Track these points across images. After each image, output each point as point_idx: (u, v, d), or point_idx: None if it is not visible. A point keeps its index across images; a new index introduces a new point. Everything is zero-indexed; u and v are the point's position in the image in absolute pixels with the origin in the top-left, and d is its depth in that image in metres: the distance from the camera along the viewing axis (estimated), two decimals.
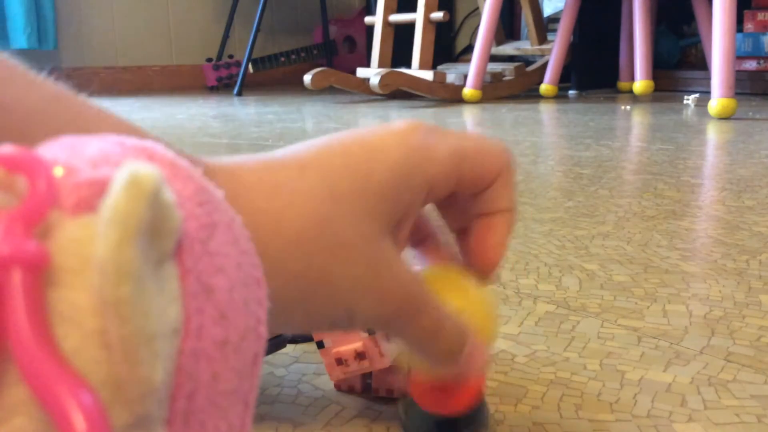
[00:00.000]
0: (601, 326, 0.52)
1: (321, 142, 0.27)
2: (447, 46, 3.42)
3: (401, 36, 2.64)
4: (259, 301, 0.18)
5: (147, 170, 0.14)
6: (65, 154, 0.16)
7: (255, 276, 0.18)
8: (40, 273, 0.14)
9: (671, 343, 0.49)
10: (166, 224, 0.15)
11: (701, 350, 0.48)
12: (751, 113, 1.90)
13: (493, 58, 2.68)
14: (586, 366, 0.46)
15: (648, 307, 0.56)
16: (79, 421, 0.13)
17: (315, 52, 3.45)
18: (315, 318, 0.26)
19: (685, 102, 2.18)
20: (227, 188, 0.24)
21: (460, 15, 3.48)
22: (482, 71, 2.39)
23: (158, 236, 0.15)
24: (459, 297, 0.30)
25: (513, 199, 0.30)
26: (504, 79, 2.58)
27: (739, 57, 2.45)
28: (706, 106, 1.86)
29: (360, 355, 0.39)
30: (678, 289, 0.60)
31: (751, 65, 2.51)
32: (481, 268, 0.30)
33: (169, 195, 0.15)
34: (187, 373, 0.16)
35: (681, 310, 0.55)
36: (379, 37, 2.56)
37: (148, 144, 0.17)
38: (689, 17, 2.60)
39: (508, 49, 2.86)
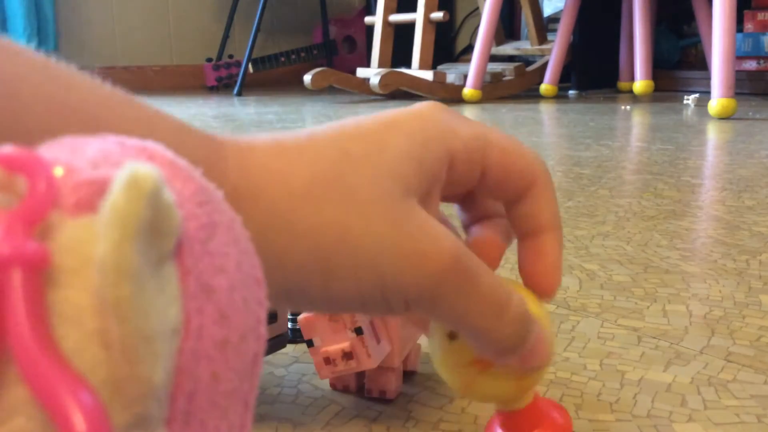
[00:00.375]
0: (601, 326, 0.52)
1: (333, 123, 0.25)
2: (447, 46, 3.42)
3: (401, 36, 2.64)
4: (259, 301, 0.18)
5: (147, 170, 0.14)
6: (65, 154, 0.16)
7: (255, 276, 0.18)
8: (40, 273, 0.14)
9: (671, 343, 0.49)
10: (165, 224, 0.15)
11: (701, 350, 0.48)
12: (751, 113, 1.90)
13: (493, 58, 2.68)
14: (586, 366, 0.46)
15: (648, 307, 0.56)
16: (79, 420, 0.13)
17: (315, 52, 3.45)
18: (338, 289, 0.22)
19: (685, 102, 2.18)
20: (237, 155, 0.23)
21: (460, 15, 3.48)
22: (482, 71, 2.39)
23: (158, 236, 0.15)
24: (529, 302, 0.26)
25: (557, 215, 0.28)
26: (504, 79, 2.58)
27: (739, 57, 2.45)
28: (706, 106, 1.86)
29: (347, 355, 0.39)
30: (678, 289, 0.60)
31: (751, 65, 2.51)
32: (540, 294, 0.27)
33: (168, 195, 0.15)
34: (187, 373, 0.16)
35: (681, 310, 0.55)
36: (379, 37, 2.56)
37: (149, 144, 0.17)
38: (689, 17, 2.60)
39: (508, 49, 2.86)
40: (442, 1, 2.55)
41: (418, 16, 2.44)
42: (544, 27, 2.79)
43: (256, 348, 0.18)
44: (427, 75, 2.40)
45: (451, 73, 2.52)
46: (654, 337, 0.50)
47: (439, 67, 2.68)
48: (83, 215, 0.15)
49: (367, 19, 2.66)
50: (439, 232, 0.23)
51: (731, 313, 0.55)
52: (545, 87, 2.55)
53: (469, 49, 3.12)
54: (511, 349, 0.25)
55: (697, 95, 2.17)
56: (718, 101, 1.76)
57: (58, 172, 0.15)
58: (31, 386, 0.13)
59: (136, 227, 0.14)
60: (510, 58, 2.91)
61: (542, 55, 2.71)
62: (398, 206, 0.23)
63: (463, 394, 0.28)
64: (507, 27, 3.08)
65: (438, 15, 2.42)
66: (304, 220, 0.22)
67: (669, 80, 2.67)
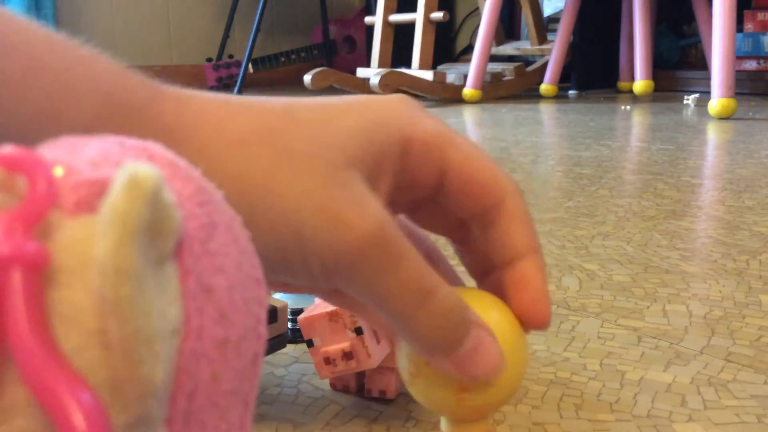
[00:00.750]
0: (601, 326, 0.52)
1: None
2: (447, 46, 3.42)
3: (401, 36, 2.64)
4: (259, 301, 0.18)
5: (147, 170, 0.14)
6: (65, 154, 0.16)
7: (255, 276, 0.18)
8: (40, 273, 0.14)
9: (671, 343, 0.49)
10: (166, 224, 0.15)
11: (701, 350, 0.48)
12: (751, 113, 1.90)
13: (493, 58, 2.68)
14: (586, 366, 0.46)
15: (648, 307, 0.56)
16: (78, 420, 0.13)
17: (315, 52, 3.44)
18: (259, 242, 0.20)
19: (685, 102, 2.18)
20: (177, 100, 0.23)
21: (460, 15, 3.48)
22: (482, 71, 2.39)
23: (158, 236, 0.15)
24: (489, 314, 0.24)
25: (533, 236, 0.25)
26: (504, 79, 2.58)
27: (739, 57, 2.45)
28: (706, 106, 1.86)
29: (347, 355, 0.39)
30: (678, 289, 0.60)
31: (751, 65, 2.51)
32: (533, 327, 0.25)
33: (169, 195, 0.15)
34: (187, 373, 0.16)
35: (681, 310, 0.55)
36: (379, 37, 2.56)
37: (149, 144, 0.17)
38: (689, 17, 2.60)
39: (508, 49, 2.86)
40: (442, 1, 2.55)
41: (418, 16, 2.44)
42: (544, 27, 2.79)
43: (256, 348, 0.17)
44: (427, 75, 2.40)
45: (451, 73, 2.52)
46: (654, 337, 0.50)
47: (439, 67, 2.68)
48: (83, 215, 0.15)
49: (367, 19, 2.66)
50: (371, 205, 0.21)
51: (731, 313, 0.55)
52: (545, 87, 2.55)
53: (469, 49, 3.12)
54: (437, 347, 0.22)
55: (697, 95, 2.17)
56: (718, 101, 1.75)
57: (58, 172, 0.15)
58: (30, 386, 0.13)
59: (135, 227, 0.14)
60: (510, 58, 2.90)
61: (542, 55, 2.71)
62: (334, 171, 0.22)
63: (407, 386, 0.26)
64: (507, 27, 3.08)
65: (438, 15, 2.42)
66: (232, 165, 0.22)
67: (669, 80, 2.67)
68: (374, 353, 0.39)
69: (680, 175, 1.10)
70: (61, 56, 0.22)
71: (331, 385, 0.43)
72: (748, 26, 2.52)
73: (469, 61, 2.52)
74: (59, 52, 0.22)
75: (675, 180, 1.06)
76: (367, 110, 0.24)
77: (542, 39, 2.75)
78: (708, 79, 1.88)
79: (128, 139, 0.17)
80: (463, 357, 0.23)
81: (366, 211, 0.21)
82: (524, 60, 2.81)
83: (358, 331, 0.38)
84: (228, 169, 0.22)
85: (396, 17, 2.55)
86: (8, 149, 0.15)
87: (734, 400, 0.41)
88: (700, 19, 2.38)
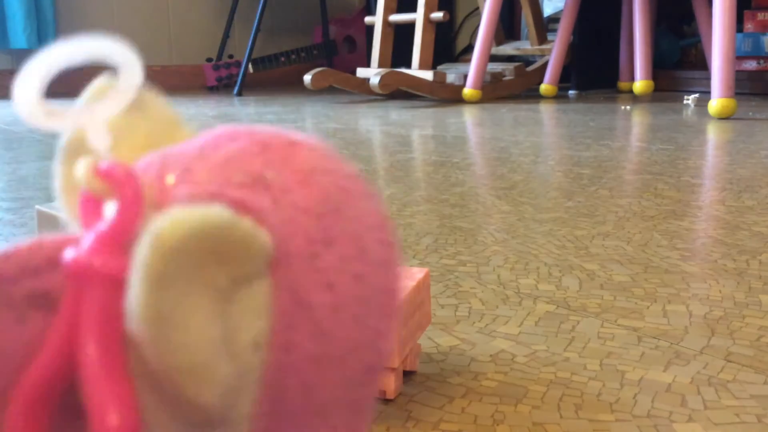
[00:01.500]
0: (601, 326, 0.52)
1: None
2: (447, 46, 3.42)
3: (401, 36, 2.64)
4: (385, 313, 0.18)
5: (172, 229, 0.15)
6: (190, 160, 0.17)
7: (386, 287, 0.18)
8: (119, 286, 0.15)
9: (671, 343, 0.49)
10: (248, 248, 0.15)
11: (701, 350, 0.48)
12: (751, 113, 1.90)
13: (493, 58, 2.68)
14: (586, 366, 0.46)
15: (648, 307, 0.56)
16: (109, 415, 0.14)
17: (315, 52, 3.44)
18: None
19: (685, 102, 2.18)
20: None
21: (460, 15, 3.48)
22: (482, 71, 2.39)
23: (233, 261, 0.15)
24: None
25: None
26: (504, 79, 2.58)
27: (739, 57, 2.45)
28: (706, 106, 1.86)
29: None
30: (678, 289, 0.60)
31: (751, 65, 2.51)
32: None
33: (245, 224, 0.15)
34: (270, 385, 0.16)
35: (681, 310, 0.55)
36: (379, 37, 2.56)
37: (296, 145, 0.18)
38: (689, 17, 2.60)
39: (508, 49, 2.86)
40: (442, 1, 2.55)
41: (418, 16, 2.44)
42: (544, 27, 2.79)
43: (371, 361, 0.18)
44: (427, 75, 2.40)
45: (451, 73, 2.51)
46: (654, 337, 0.50)
47: (439, 67, 2.68)
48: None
49: (367, 19, 2.66)
50: None
51: (731, 313, 0.55)
52: (545, 87, 2.55)
53: (469, 49, 3.12)
54: None
55: (697, 95, 2.17)
56: (718, 101, 1.76)
57: (151, 190, 0.17)
58: (87, 389, 0.15)
59: (157, 279, 0.15)
60: (510, 58, 2.91)
61: (542, 55, 2.71)
62: None
63: None
64: (507, 27, 3.08)
65: (438, 15, 2.42)
66: None
67: (669, 80, 2.67)
68: None
69: (680, 175, 1.10)
70: None
71: None
72: (748, 26, 2.52)
73: (469, 61, 2.52)
74: None
75: (675, 180, 1.06)
76: None
77: (542, 39, 2.75)
78: (708, 79, 1.88)
79: (276, 136, 0.18)
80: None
81: None
82: (524, 60, 2.82)
83: None
84: None
85: (396, 17, 2.55)
86: (106, 164, 0.16)
87: (734, 400, 0.41)
88: (700, 19, 2.38)
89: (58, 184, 0.19)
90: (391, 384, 0.41)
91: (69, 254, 0.15)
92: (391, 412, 0.41)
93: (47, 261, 0.16)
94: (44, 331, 0.15)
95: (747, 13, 2.50)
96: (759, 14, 2.51)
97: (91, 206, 0.17)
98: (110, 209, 0.16)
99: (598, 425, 0.39)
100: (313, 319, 0.16)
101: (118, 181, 0.16)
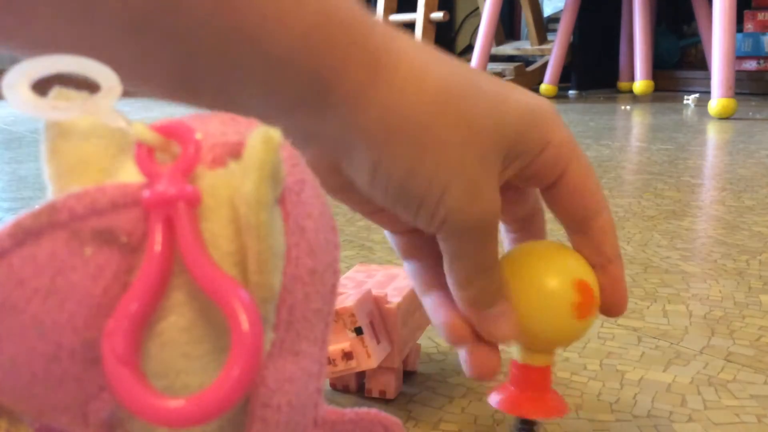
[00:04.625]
0: (601, 326, 0.52)
1: None
2: (447, 46, 3.42)
3: None
4: (335, 244, 0.22)
5: (275, 131, 0.18)
6: (200, 125, 0.21)
7: (332, 224, 0.22)
8: (195, 208, 0.19)
9: (671, 343, 0.49)
10: (278, 175, 0.19)
11: (701, 350, 0.48)
12: (751, 113, 1.90)
13: (493, 58, 2.68)
14: (586, 366, 0.46)
15: (648, 307, 0.56)
16: (243, 317, 0.18)
17: None
18: (404, 178, 0.26)
19: (685, 102, 2.18)
20: (384, 33, 0.26)
21: (460, 15, 3.48)
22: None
23: (274, 183, 0.19)
24: (526, 282, 0.30)
25: (618, 245, 0.31)
26: (504, 79, 2.58)
27: (739, 57, 2.44)
28: (706, 106, 1.86)
29: (347, 355, 0.39)
30: (678, 289, 0.60)
31: (751, 65, 2.51)
32: (614, 314, 0.32)
33: (281, 154, 0.19)
34: (288, 291, 0.20)
35: (681, 310, 0.55)
36: None
37: (252, 120, 0.21)
38: (689, 17, 2.60)
39: (508, 49, 2.86)
40: (442, 1, 2.55)
41: (418, 16, 2.44)
42: (544, 27, 2.79)
43: (333, 280, 0.22)
44: None
45: None
46: (654, 337, 0.50)
47: None
48: (217, 168, 0.20)
49: None
50: (497, 192, 0.27)
51: (731, 313, 0.55)
52: (545, 87, 2.55)
53: (469, 49, 3.12)
54: (472, 301, 0.29)
55: (697, 95, 2.17)
56: (718, 101, 1.75)
57: (199, 136, 0.20)
58: (204, 289, 0.18)
59: (269, 171, 0.18)
60: (510, 58, 2.90)
61: (542, 55, 2.71)
62: (491, 151, 0.26)
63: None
64: (507, 27, 3.08)
65: (438, 15, 2.42)
66: (418, 117, 0.25)
67: (669, 80, 2.67)
68: (374, 353, 0.39)
69: (680, 175, 1.10)
70: None
71: (331, 385, 0.43)
72: (748, 26, 2.52)
73: (469, 61, 2.51)
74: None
75: (675, 180, 1.06)
76: (527, 105, 0.28)
77: (542, 39, 2.75)
78: (708, 79, 1.88)
79: (238, 117, 0.22)
80: (485, 316, 0.29)
81: (496, 196, 0.27)
82: (524, 60, 2.81)
83: (358, 331, 0.38)
84: (412, 116, 0.25)
85: (396, 17, 2.55)
86: (164, 122, 0.20)
87: (734, 400, 0.41)
88: (700, 19, 2.38)
89: (51, 170, 0.20)
90: (391, 384, 0.41)
91: (149, 191, 0.18)
92: (391, 412, 0.41)
93: (111, 203, 0.18)
94: (109, 263, 0.18)
95: (747, 13, 2.50)
96: (759, 14, 2.51)
97: (145, 158, 0.19)
98: (166, 157, 0.20)
99: (598, 425, 0.39)
100: (306, 239, 0.21)
101: (179, 134, 0.20)
